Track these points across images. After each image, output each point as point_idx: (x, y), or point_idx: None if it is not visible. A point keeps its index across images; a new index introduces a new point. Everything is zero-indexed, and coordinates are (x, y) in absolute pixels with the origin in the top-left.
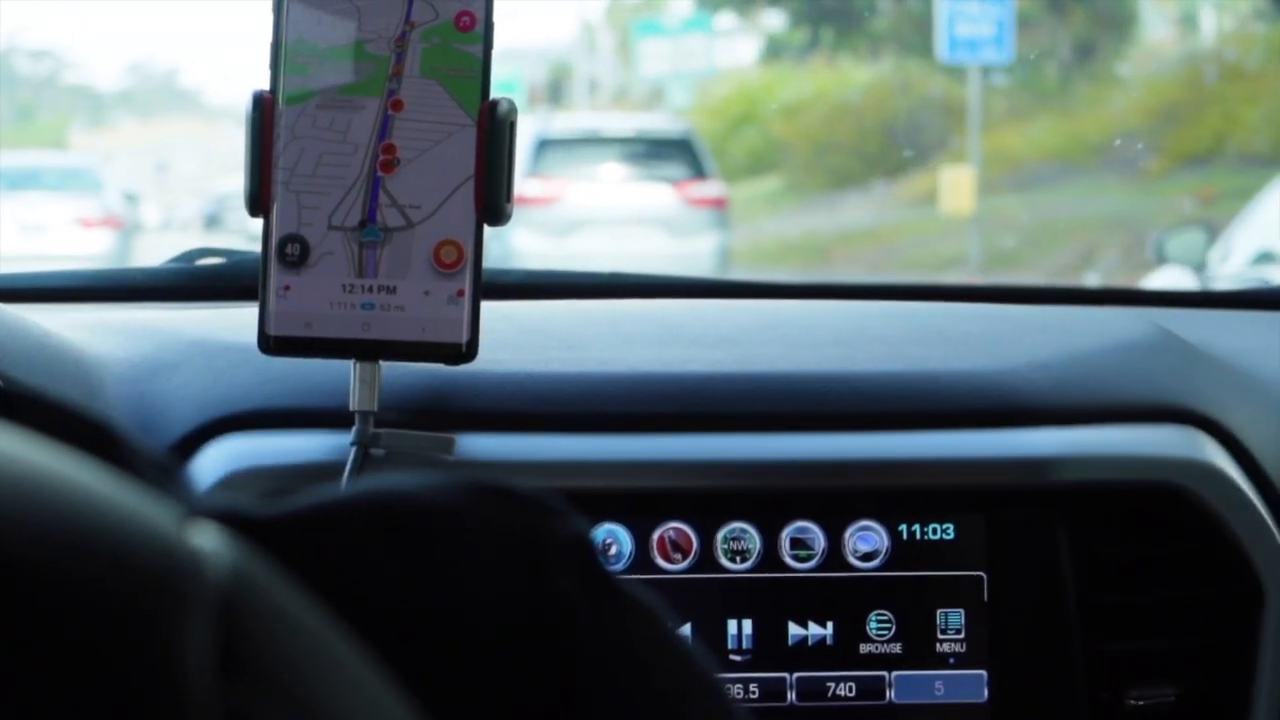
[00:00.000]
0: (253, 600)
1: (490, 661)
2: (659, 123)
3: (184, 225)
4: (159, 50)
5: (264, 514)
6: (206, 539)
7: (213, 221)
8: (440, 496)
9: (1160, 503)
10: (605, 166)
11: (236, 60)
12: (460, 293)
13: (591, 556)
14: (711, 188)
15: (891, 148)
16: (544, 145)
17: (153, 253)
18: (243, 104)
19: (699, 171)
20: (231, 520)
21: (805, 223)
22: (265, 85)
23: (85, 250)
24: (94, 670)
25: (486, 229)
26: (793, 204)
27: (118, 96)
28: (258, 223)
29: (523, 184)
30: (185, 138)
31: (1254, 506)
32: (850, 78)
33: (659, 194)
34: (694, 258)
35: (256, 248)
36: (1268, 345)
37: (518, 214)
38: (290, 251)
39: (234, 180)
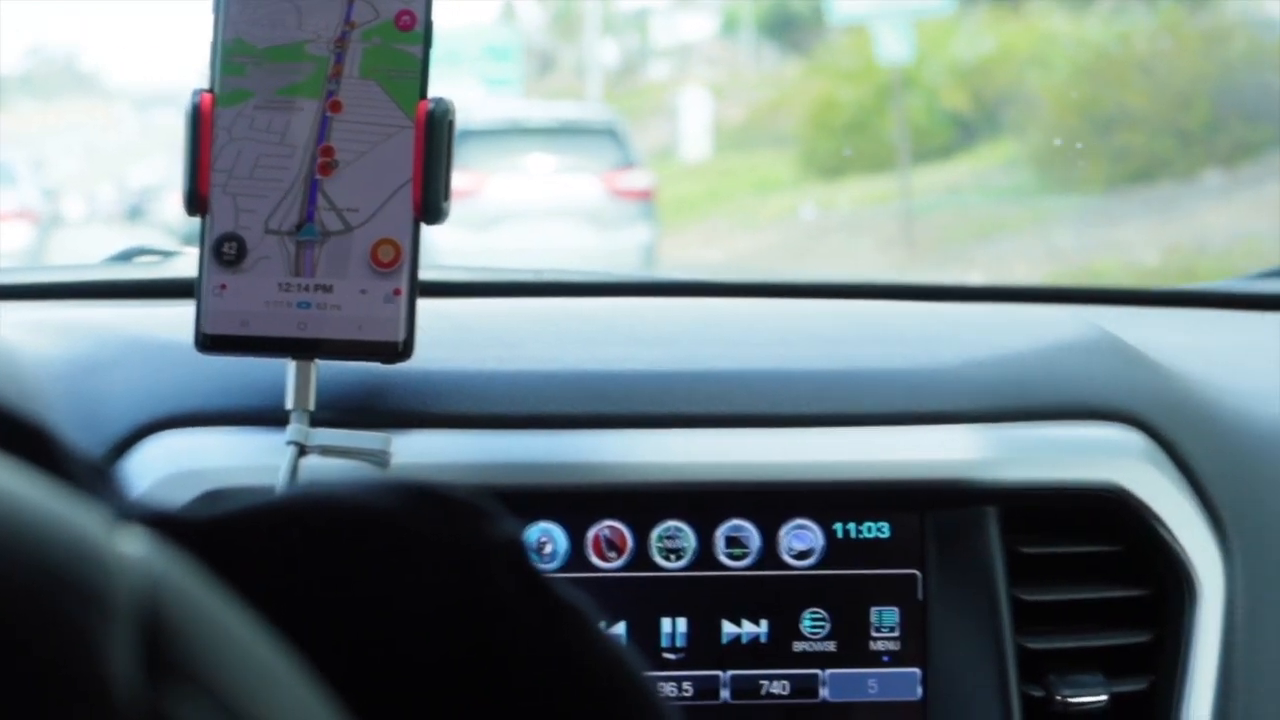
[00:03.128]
0: (179, 605)
1: (422, 665)
2: (582, 112)
3: (107, 219)
4: (58, 33)
5: (195, 518)
6: (134, 544)
7: (135, 214)
8: (372, 500)
9: (1093, 501)
10: (527, 157)
11: (138, 42)
12: (397, 291)
13: (524, 559)
14: (638, 178)
15: (1221, 122)
16: (464, 136)
17: (72, 247)
18: (142, 86)
19: (625, 161)
20: (162, 524)
21: (1107, 236)
22: (202, 83)
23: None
24: (16, 677)
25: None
26: (1059, 207)
27: (16, 80)
28: (179, 214)
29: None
30: (86, 121)
31: (1186, 505)
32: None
33: (584, 185)
34: (620, 251)
35: (178, 242)
36: (1204, 343)
37: None
38: (227, 250)
39: (144, 169)
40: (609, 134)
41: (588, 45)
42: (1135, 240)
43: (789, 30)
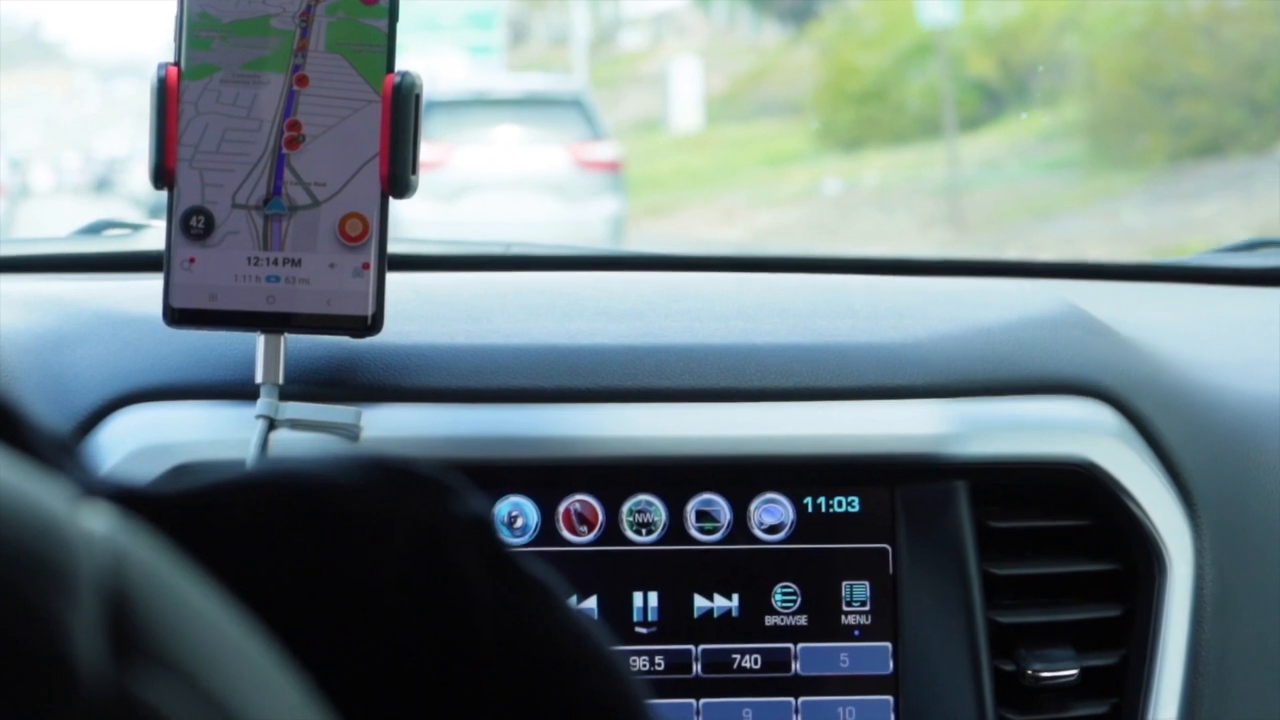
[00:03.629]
0: (144, 582)
1: (388, 640)
2: (549, 83)
3: (75, 189)
4: (20, 2)
5: (162, 493)
6: (97, 520)
7: (103, 185)
8: (339, 475)
9: (1063, 476)
10: (494, 128)
11: (101, 12)
12: (366, 265)
13: (490, 534)
14: (605, 149)
15: None
16: (430, 107)
17: (40, 219)
18: (105, 56)
19: (592, 133)
20: (128, 499)
21: (1182, 214)
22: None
23: None
24: None
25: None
26: (1119, 183)
27: None
28: (146, 186)
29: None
30: (47, 91)
31: (1156, 479)
32: None
33: (550, 157)
34: (587, 223)
35: (145, 213)
36: (1176, 318)
37: None
38: (195, 224)
39: (109, 139)
40: (576, 105)
41: (572, 15)
42: (1216, 218)
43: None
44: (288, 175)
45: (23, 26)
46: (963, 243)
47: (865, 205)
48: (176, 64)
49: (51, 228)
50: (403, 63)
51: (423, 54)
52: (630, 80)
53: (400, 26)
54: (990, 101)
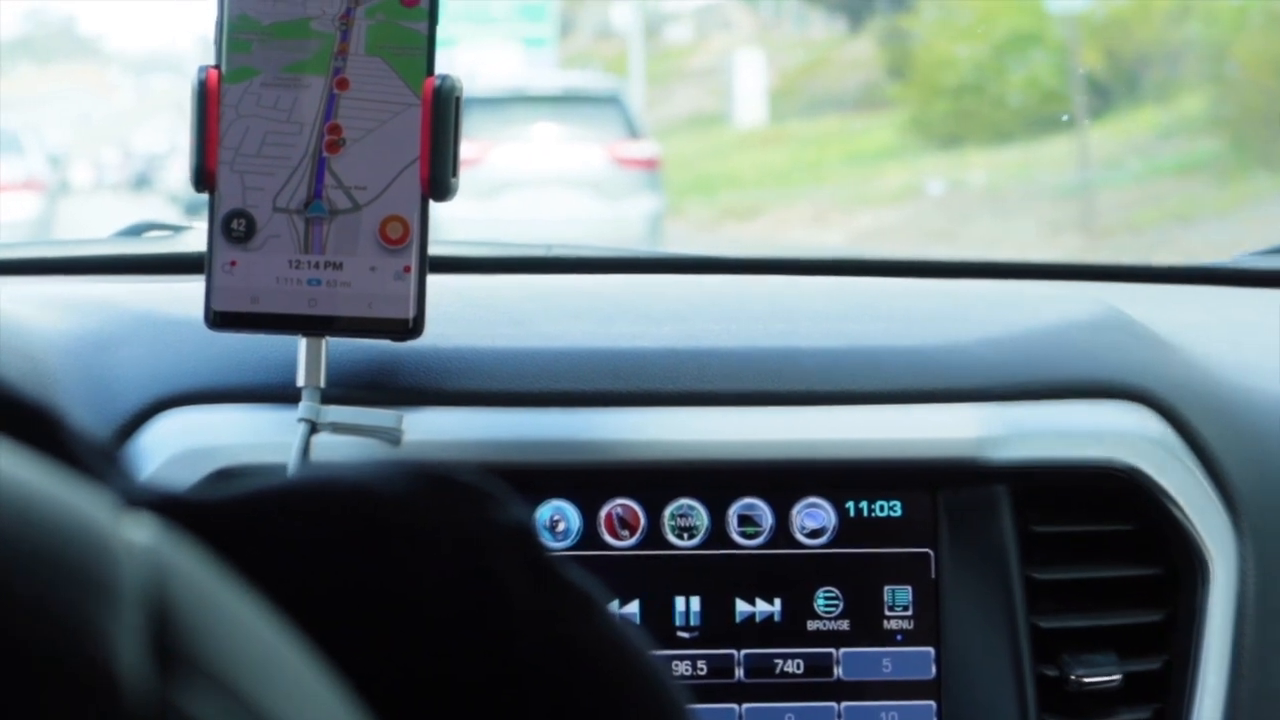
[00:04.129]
0: (188, 594)
1: (430, 649)
2: (587, 80)
3: (114, 187)
4: None
5: (205, 501)
6: (140, 530)
7: (142, 182)
8: (382, 484)
9: (1106, 479)
10: (531, 126)
11: (136, 6)
12: (406, 269)
13: (533, 542)
14: (643, 147)
15: None
16: (467, 104)
17: (80, 218)
18: (141, 51)
19: (629, 131)
20: (171, 508)
21: None
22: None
23: (6, 217)
24: (21, 670)
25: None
26: (1269, 186)
27: (14, 44)
28: (185, 184)
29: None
30: (83, 86)
31: (1199, 484)
32: None
33: (588, 154)
34: (625, 221)
35: (183, 211)
36: (1215, 321)
37: None
38: (236, 227)
39: (146, 134)
40: (613, 102)
41: (624, 8)
42: None
43: None
44: (328, 179)
45: (57, 21)
46: (1098, 250)
47: (976, 207)
48: (217, 67)
49: (92, 226)
50: (455, 55)
51: (475, 46)
52: (679, 75)
53: (451, 19)
54: (1099, 95)
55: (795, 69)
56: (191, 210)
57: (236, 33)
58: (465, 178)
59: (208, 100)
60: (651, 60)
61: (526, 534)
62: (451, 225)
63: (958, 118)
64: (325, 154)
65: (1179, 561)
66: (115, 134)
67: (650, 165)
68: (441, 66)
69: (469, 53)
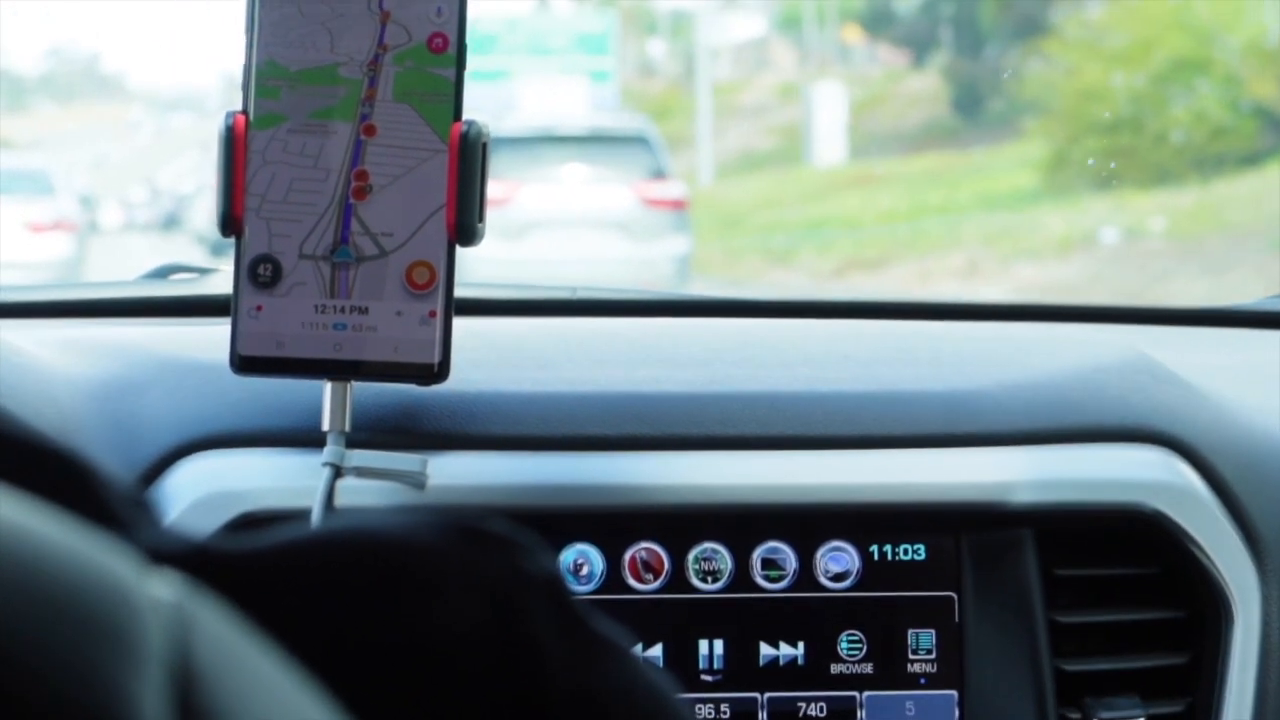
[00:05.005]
0: (211, 650)
1: (460, 703)
2: (615, 120)
3: (144, 227)
4: (80, 33)
5: (231, 553)
6: (165, 587)
7: (171, 223)
8: (411, 535)
9: (1129, 523)
10: (560, 166)
11: (158, 44)
12: (432, 313)
13: (562, 593)
14: (671, 188)
15: None
16: (494, 144)
17: (110, 258)
18: (163, 89)
19: (658, 171)
20: (197, 560)
21: None
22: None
23: (37, 257)
24: None
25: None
26: None
27: (37, 81)
28: (213, 224)
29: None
30: (104, 123)
31: (1223, 528)
32: None
33: (616, 195)
34: (653, 262)
35: (209, 251)
36: (1239, 363)
37: None
38: (262, 272)
39: (170, 173)
40: (641, 142)
41: (698, 49)
42: None
43: (886, 24)
44: (355, 225)
45: (81, 59)
46: None
47: (1167, 260)
48: (244, 112)
49: (122, 268)
50: (518, 90)
51: (536, 80)
52: (729, 113)
53: (506, 50)
54: (1274, 130)
55: (858, 104)
56: (218, 251)
57: (264, 79)
58: (492, 217)
59: (235, 146)
60: (696, 97)
61: (555, 584)
62: (478, 265)
63: (1110, 155)
64: (352, 200)
65: (1203, 605)
66: (137, 173)
67: (678, 206)
68: (503, 101)
69: (532, 87)
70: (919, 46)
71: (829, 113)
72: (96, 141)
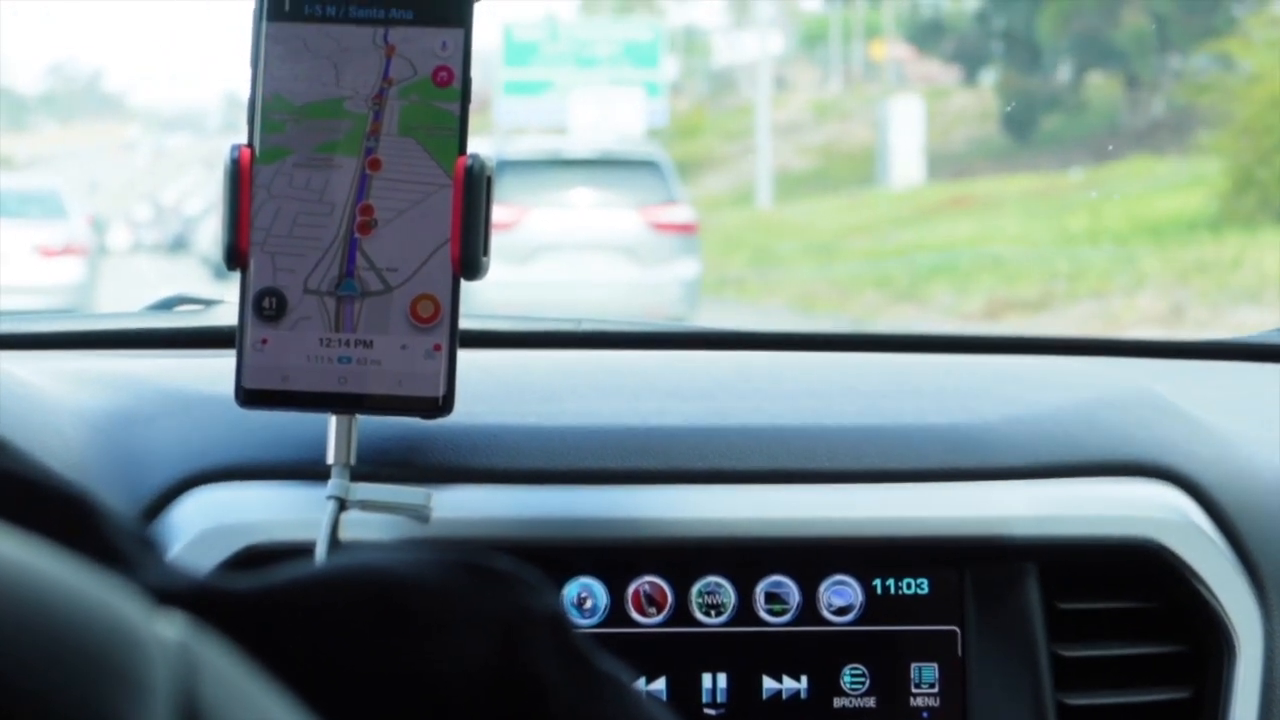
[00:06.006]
0: (216, 689)
1: None
2: (624, 144)
3: (152, 249)
4: (82, 51)
5: (237, 592)
6: (170, 627)
7: (179, 245)
8: (415, 573)
9: (1132, 558)
10: (567, 190)
11: (159, 63)
12: (437, 347)
13: (565, 630)
14: (680, 212)
15: None
16: (502, 167)
17: (120, 284)
18: (163, 107)
19: (667, 195)
20: (202, 600)
21: None
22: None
23: (48, 282)
24: None
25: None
26: None
27: (38, 99)
28: (218, 248)
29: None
30: (103, 142)
31: (1226, 562)
32: None
33: (624, 219)
34: (661, 286)
35: (213, 274)
36: (1242, 397)
37: None
38: (267, 306)
39: (174, 193)
40: (651, 166)
41: (758, 72)
42: None
43: (934, 39)
44: (360, 260)
45: (82, 76)
46: None
47: None
48: (250, 146)
49: (133, 294)
50: (571, 104)
51: (592, 94)
52: (753, 133)
53: (549, 61)
54: None
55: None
56: (223, 275)
57: (270, 112)
58: (500, 243)
59: (240, 180)
60: (724, 117)
61: (560, 621)
62: (485, 289)
63: None
64: (357, 235)
65: (1206, 639)
66: (133, 196)
67: (688, 230)
68: (555, 114)
69: (584, 100)
70: (968, 62)
71: (906, 130)
72: (93, 163)
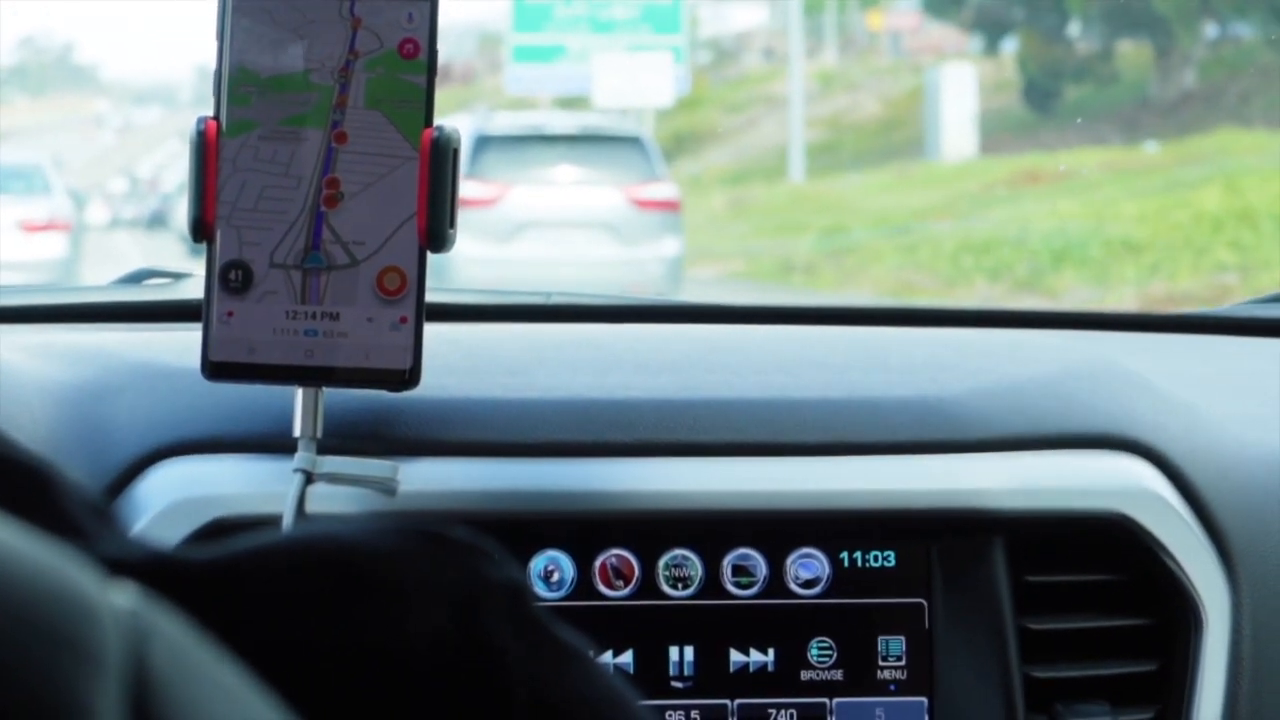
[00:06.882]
0: (168, 659)
1: (421, 709)
2: (607, 120)
3: (131, 224)
4: (53, 24)
5: (192, 561)
6: (124, 597)
7: (157, 220)
8: (372, 542)
9: (1099, 530)
10: (549, 167)
11: (131, 36)
12: (403, 319)
13: (524, 600)
14: (663, 189)
15: None
16: (484, 143)
17: (101, 259)
18: (134, 81)
19: (650, 173)
20: (157, 569)
21: None
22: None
23: (32, 257)
24: None
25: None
26: None
27: (8, 72)
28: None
29: (461, 185)
30: (75, 115)
31: (1193, 534)
32: None
33: (607, 196)
34: (643, 263)
35: (190, 251)
36: (1210, 370)
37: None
38: (233, 278)
39: (152, 163)
40: (634, 143)
41: (791, 38)
42: None
43: (951, 4)
44: (326, 233)
45: (55, 49)
46: None
47: None
48: (216, 118)
49: (115, 270)
50: (595, 71)
51: (616, 60)
52: (760, 104)
53: (561, 26)
54: None
55: (902, 96)
56: (199, 250)
57: (236, 85)
58: (482, 219)
59: (206, 153)
60: (726, 88)
61: (519, 591)
62: (467, 265)
63: None
64: (323, 208)
65: (1173, 612)
66: (106, 168)
67: (671, 207)
68: (567, 81)
69: (608, 66)
70: (989, 29)
71: (957, 99)
72: (60, 137)
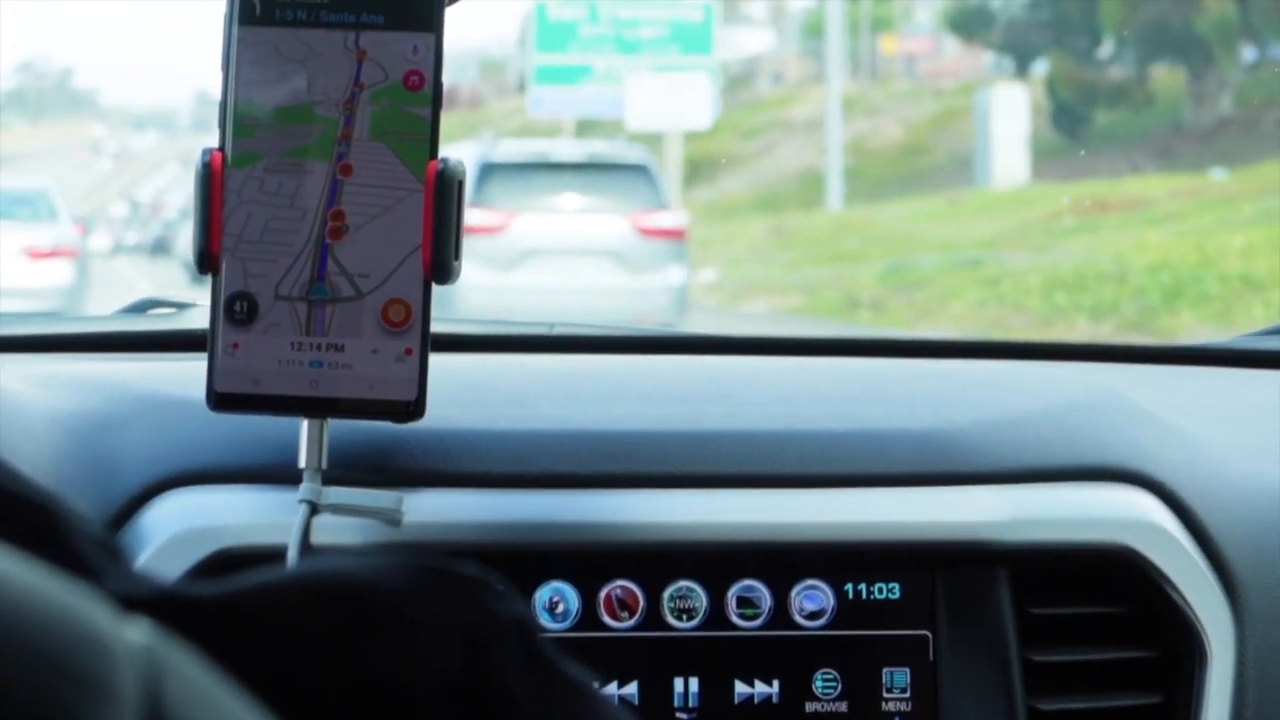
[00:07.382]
0: (182, 694)
1: None
2: (613, 148)
3: (134, 250)
4: (52, 49)
5: (203, 597)
6: (138, 632)
7: (160, 247)
8: (382, 579)
9: (1104, 562)
10: (555, 194)
11: (134, 61)
12: (408, 351)
13: (531, 636)
14: (669, 218)
15: None
16: (489, 170)
17: (106, 286)
18: (133, 105)
19: (656, 201)
20: (169, 604)
21: None
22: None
23: (37, 283)
24: None
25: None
26: None
27: (7, 97)
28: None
29: (466, 213)
30: (77, 142)
31: (1198, 567)
32: None
33: (613, 224)
34: (649, 292)
35: (192, 279)
36: (1213, 402)
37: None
38: (239, 309)
39: (153, 187)
40: (640, 171)
41: (831, 61)
42: None
43: (980, 26)
44: (331, 266)
45: (53, 73)
46: None
47: None
48: (221, 150)
49: (122, 298)
50: (628, 93)
51: (651, 80)
52: (777, 129)
53: (586, 47)
54: None
55: (923, 122)
56: (202, 278)
57: (241, 117)
58: (488, 246)
59: (212, 184)
60: (741, 113)
61: (525, 627)
62: (473, 295)
63: None
64: (328, 240)
65: (1177, 644)
66: (103, 194)
67: (677, 236)
68: (593, 103)
69: (642, 87)
70: (1018, 52)
71: (1009, 123)
72: (57, 162)
